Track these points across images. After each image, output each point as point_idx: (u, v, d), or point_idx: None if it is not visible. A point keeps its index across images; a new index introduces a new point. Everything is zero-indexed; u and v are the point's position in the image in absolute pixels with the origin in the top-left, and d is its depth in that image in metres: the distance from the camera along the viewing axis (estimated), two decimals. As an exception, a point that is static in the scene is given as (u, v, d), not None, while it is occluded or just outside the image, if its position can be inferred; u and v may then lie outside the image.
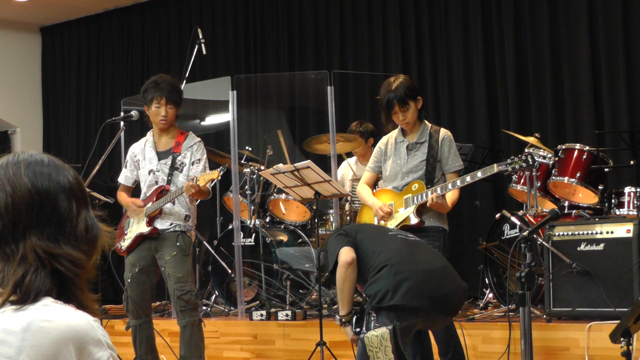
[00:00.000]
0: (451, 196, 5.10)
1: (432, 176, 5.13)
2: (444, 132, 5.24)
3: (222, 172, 5.36)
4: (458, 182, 5.04)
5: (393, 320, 4.12)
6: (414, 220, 5.11)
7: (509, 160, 4.94)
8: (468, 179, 5.02)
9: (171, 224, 5.49)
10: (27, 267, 1.58)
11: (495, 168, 4.92)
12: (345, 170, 7.47)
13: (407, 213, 5.12)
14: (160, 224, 5.49)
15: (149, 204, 5.51)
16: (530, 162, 4.90)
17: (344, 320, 4.42)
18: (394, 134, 5.33)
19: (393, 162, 5.26)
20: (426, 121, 5.30)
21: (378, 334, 4.11)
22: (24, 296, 1.57)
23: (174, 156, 5.53)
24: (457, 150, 5.27)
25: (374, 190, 5.44)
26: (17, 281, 1.57)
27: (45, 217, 1.62)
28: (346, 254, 4.40)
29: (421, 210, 5.13)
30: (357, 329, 4.41)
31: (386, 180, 5.33)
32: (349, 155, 7.56)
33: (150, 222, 5.49)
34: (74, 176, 1.68)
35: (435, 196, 4.95)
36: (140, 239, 5.53)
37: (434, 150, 5.17)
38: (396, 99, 5.12)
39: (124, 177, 5.72)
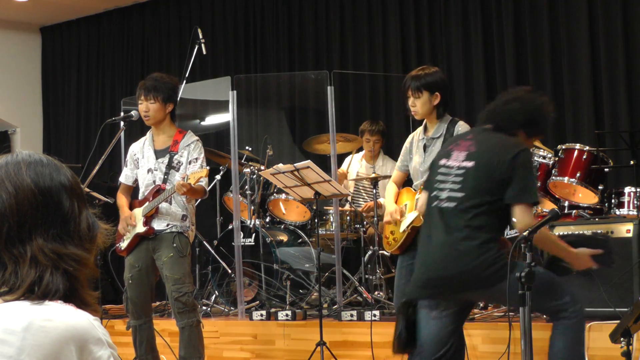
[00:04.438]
0: None
1: None
2: (460, 124, 5.07)
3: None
4: None
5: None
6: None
7: None
8: None
9: (167, 225, 5.46)
10: (42, 269, 1.58)
11: None
12: (351, 167, 7.52)
13: (416, 214, 5.04)
14: (156, 224, 5.47)
15: (146, 204, 5.50)
16: None
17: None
18: (418, 131, 5.22)
19: (414, 161, 5.14)
20: (449, 116, 5.13)
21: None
22: (43, 295, 1.57)
23: (171, 155, 5.49)
24: None
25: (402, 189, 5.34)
26: (33, 281, 1.57)
27: (49, 217, 1.62)
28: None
29: None
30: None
31: (412, 179, 5.23)
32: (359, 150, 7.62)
33: (147, 222, 5.48)
34: (71, 175, 1.68)
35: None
36: (138, 239, 5.52)
37: None
38: (411, 82, 5.01)
39: (124, 176, 5.71)
